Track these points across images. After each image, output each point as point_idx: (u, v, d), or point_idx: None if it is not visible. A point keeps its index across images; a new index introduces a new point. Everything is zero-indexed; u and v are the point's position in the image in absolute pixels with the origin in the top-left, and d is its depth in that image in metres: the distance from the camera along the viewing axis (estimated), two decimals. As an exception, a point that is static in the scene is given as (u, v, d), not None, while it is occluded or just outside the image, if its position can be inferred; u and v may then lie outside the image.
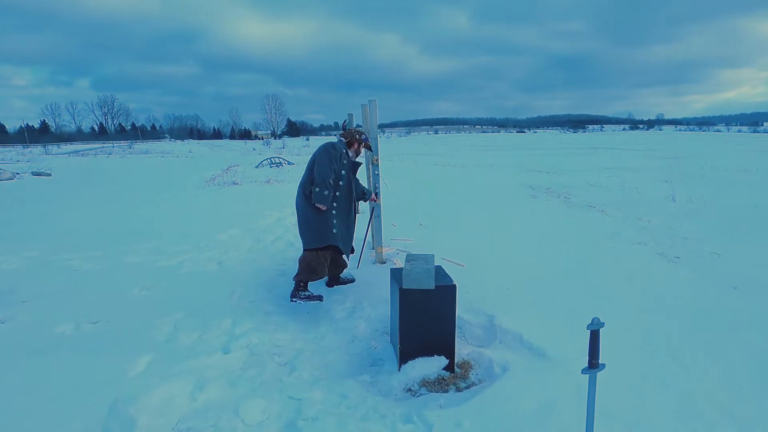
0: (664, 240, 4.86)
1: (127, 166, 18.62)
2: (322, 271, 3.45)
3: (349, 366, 2.59)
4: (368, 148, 3.79)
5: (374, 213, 4.30)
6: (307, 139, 60.88)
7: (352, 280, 3.78)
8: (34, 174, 14.55)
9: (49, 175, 14.57)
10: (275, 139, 66.65)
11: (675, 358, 2.47)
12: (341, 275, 3.75)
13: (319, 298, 3.42)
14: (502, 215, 6.31)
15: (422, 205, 7.23)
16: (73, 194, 9.81)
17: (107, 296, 3.53)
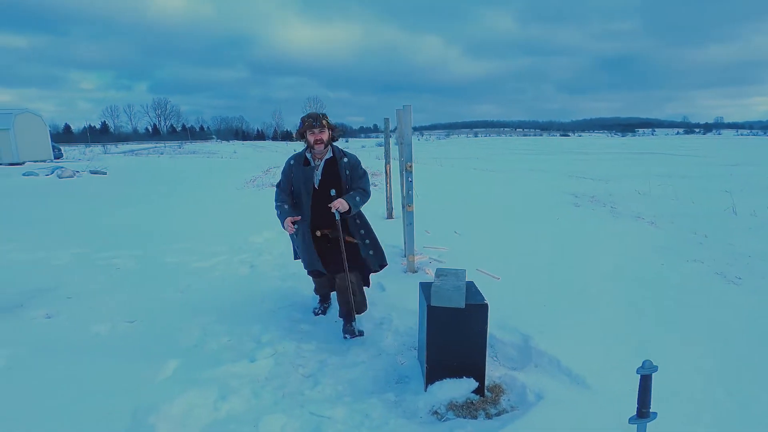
0: (722, 257, 4.44)
1: (175, 166, 19.51)
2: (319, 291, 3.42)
3: (373, 382, 2.50)
4: (312, 120, 2.83)
5: (407, 220, 4.20)
6: (347, 141, 61.67)
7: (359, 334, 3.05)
8: (92, 172, 15.52)
9: (105, 173, 15.50)
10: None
11: (744, 406, 2.20)
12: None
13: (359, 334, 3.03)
14: (542, 224, 6.02)
15: (458, 211, 7.04)
16: (124, 192, 10.36)
17: (143, 296, 3.63)
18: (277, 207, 2.95)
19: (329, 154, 2.91)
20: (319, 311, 3.38)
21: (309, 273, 3.23)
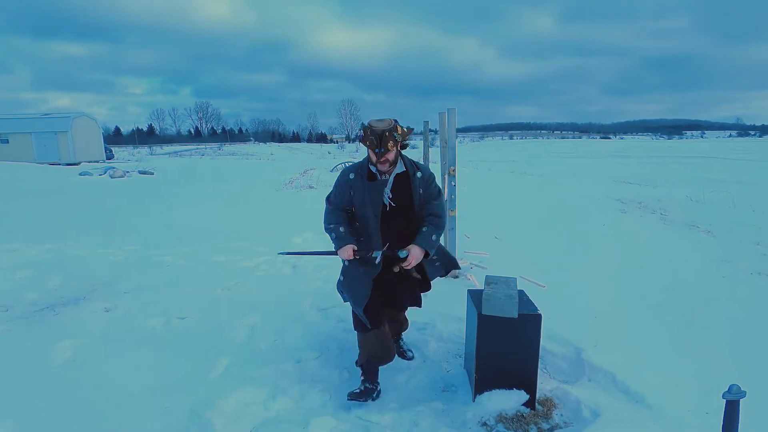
0: (791, 271, 4.12)
1: (216, 167, 20.24)
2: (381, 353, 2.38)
3: (419, 389, 2.48)
4: (375, 139, 2.17)
5: (449, 225, 4.15)
6: (380, 143, 61.96)
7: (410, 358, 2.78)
8: (141, 173, 16.36)
9: (152, 173, 16.29)
10: (349, 143, 68.85)
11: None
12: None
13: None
14: (587, 231, 5.79)
15: (497, 216, 6.90)
16: (170, 192, 10.84)
17: (194, 293, 3.77)
18: (329, 229, 2.30)
19: (400, 168, 2.28)
20: (365, 395, 2.29)
21: (363, 319, 2.30)
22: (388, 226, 2.25)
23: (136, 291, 3.85)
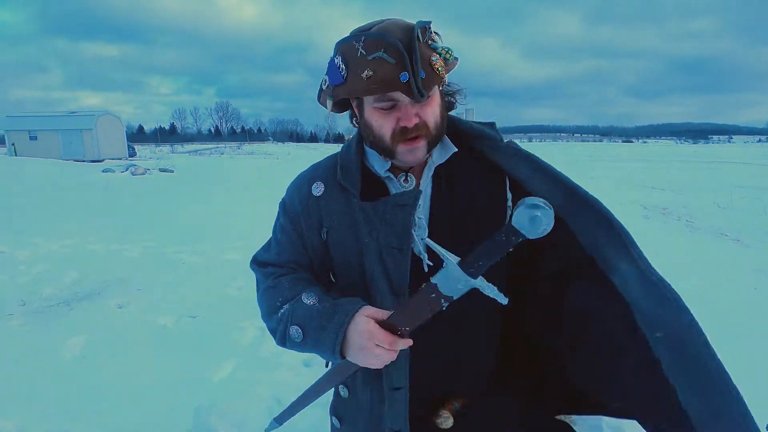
0: (830, 284, 3.88)
1: (235, 166, 20.51)
2: None
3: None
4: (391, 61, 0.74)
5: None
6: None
7: None
8: (161, 170, 16.66)
9: (172, 171, 16.57)
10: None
11: None
12: None
13: None
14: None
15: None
16: (189, 189, 10.98)
17: (206, 292, 3.76)
18: (284, 317, 0.86)
19: (443, 150, 0.90)
20: None
21: None
22: (436, 331, 0.83)
23: (149, 288, 3.86)
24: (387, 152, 0.84)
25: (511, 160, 0.89)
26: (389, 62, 0.74)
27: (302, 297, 0.86)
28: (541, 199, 0.67)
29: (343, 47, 0.79)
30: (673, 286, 0.80)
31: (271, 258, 0.96)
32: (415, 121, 0.79)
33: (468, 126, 0.92)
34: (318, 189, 0.91)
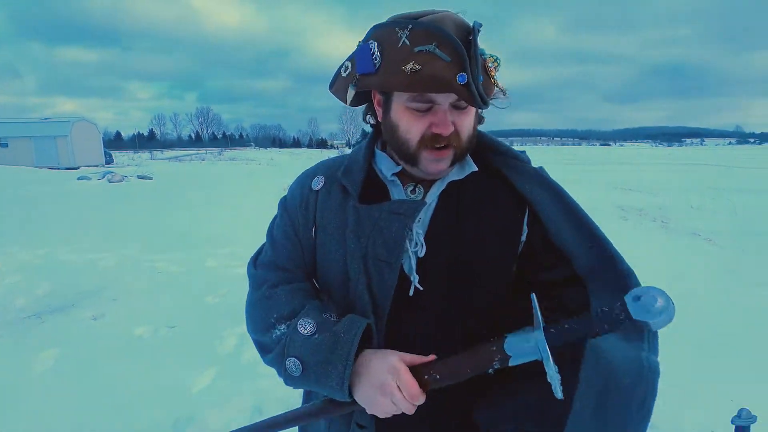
0: (796, 281, 4.04)
1: (216, 172, 20.23)
2: None
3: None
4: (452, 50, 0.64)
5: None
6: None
7: None
8: (139, 177, 16.31)
9: (151, 178, 16.25)
10: (349, 148, 69.06)
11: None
12: None
13: None
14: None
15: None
16: (169, 197, 10.78)
17: (185, 300, 3.69)
18: (279, 338, 0.76)
19: (462, 169, 0.79)
20: None
21: None
22: (418, 340, 0.77)
23: (125, 298, 3.76)
24: (409, 158, 0.74)
25: (536, 189, 0.78)
26: (442, 59, 0.64)
27: (298, 325, 0.74)
28: (662, 292, 0.62)
29: (381, 33, 0.70)
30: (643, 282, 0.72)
31: (267, 262, 0.85)
32: (451, 129, 0.70)
33: (491, 140, 0.83)
34: (318, 183, 0.83)
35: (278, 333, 0.77)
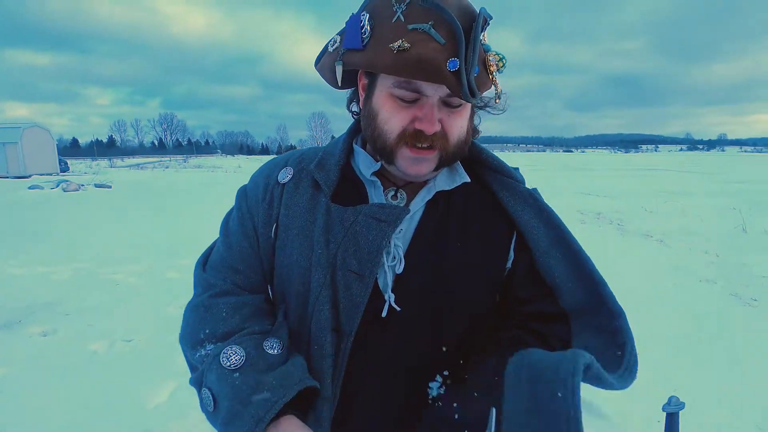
0: (736, 278, 4.33)
1: (180, 180, 19.61)
2: None
3: None
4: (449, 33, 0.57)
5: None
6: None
7: None
8: (97, 186, 15.60)
9: (110, 187, 15.57)
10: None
11: None
12: None
13: None
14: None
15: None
16: (128, 206, 10.36)
17: (143, 313, 3.56)
18: (200, 362, 0.67)
19: (452, 179, 0.71)
20: None
21: None
22: (388, 367, 0.68)
23: (79, 312, 3.59)
24: (386, 153, 0.64)
25: (527, 214, 0.70)
26: (436, 41, 0.56)
27: (222, 354, 0.63)
28: None
29: (376, 4, 0.62)
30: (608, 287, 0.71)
31: (218, 262, 0.75)
32: (437, 128, 0.61)
33: (485, 152, 0.74)
34: (286, 175, 0.73)
35: (203, 353, 0.67)
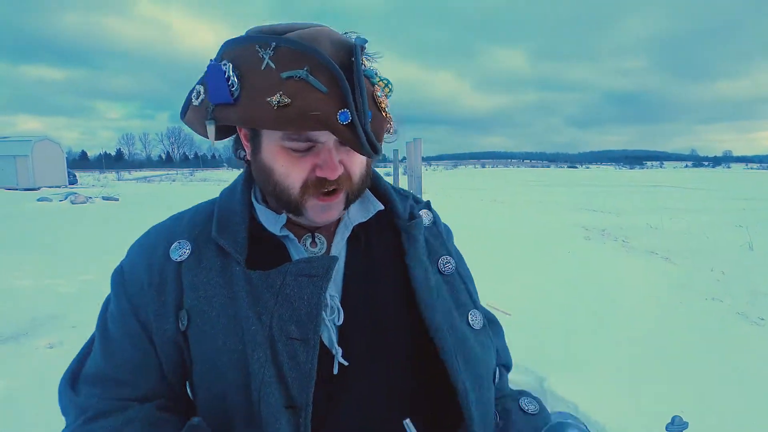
0: (742, 296, 4.29)
1: (187, 193, 19.79)
2: None
3: None
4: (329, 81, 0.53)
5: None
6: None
7: None
8: (104, 198, 15.78)
9: (117, 200, 15.74)
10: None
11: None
12: None
13: None
14: (553, 258, 5.91)
15: (465, 243, 6.95)
16: (135, 219, 10.46)
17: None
18: None
19: (365, 209, 0.69)
20: None
21: None
22: (352, 426, 0.61)
23: (86, 325, 3.60)
24: (291, 207, 0.60)
25: (437, 223, 0.76)
26: (318, 90, 0.51)
27: None
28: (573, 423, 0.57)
29: (238, 51, 0.55)
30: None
31: (93, 374, 0.62)
32: (340, 171, 0.58)
33: (382, 185, 0.72)
34: (180, 251, 0.62)
35: None
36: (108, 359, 0.62)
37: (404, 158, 5.54)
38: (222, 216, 0.64)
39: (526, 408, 0.72)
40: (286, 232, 0.64)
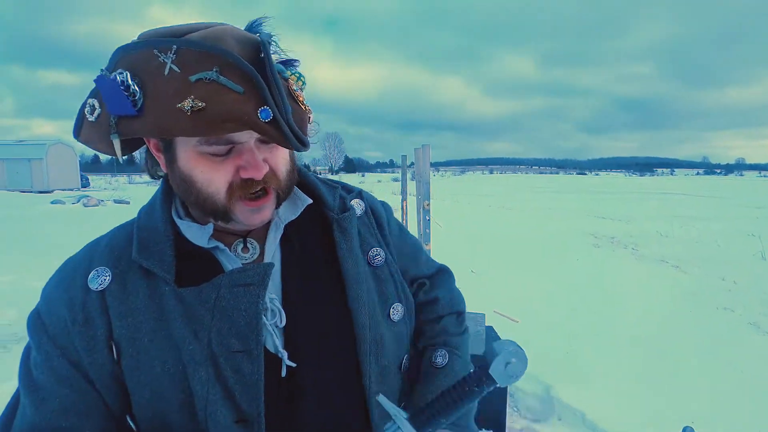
0: (755, 306, 4.24)
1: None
2: None
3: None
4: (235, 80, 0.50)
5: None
6: (363, 176, 62.66)
7: None
8: (116, 201, 16.03)
9: (128, 203, 15.97)
10: (332, 174, 69.65)
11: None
12: None
13: None
14: (561, 265, 5.88)
15: (473, 250, 6.96)
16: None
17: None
18: None
19: (294, 206, 0.68)
20: None
21: None
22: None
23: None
24: (219, 214, 0.58)
25: (370, 203, 0.78)
26: (233, 90, 0.49)
27: None
28: (515, 345, 0.57)
29: (134, 58, 0.52)
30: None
31: (29, 427, 0.56)
32: (265, 170, 0.56)
33: (309, 179, 0.72)
34: (99, 279, 0.59)
35: None
36: (41, 410, 0.55)
37: (412, 163, 5.55)
38: (143, 236, 0.60)
39: (435, 361, 0.75)
40: (214, 243, 0.61)
